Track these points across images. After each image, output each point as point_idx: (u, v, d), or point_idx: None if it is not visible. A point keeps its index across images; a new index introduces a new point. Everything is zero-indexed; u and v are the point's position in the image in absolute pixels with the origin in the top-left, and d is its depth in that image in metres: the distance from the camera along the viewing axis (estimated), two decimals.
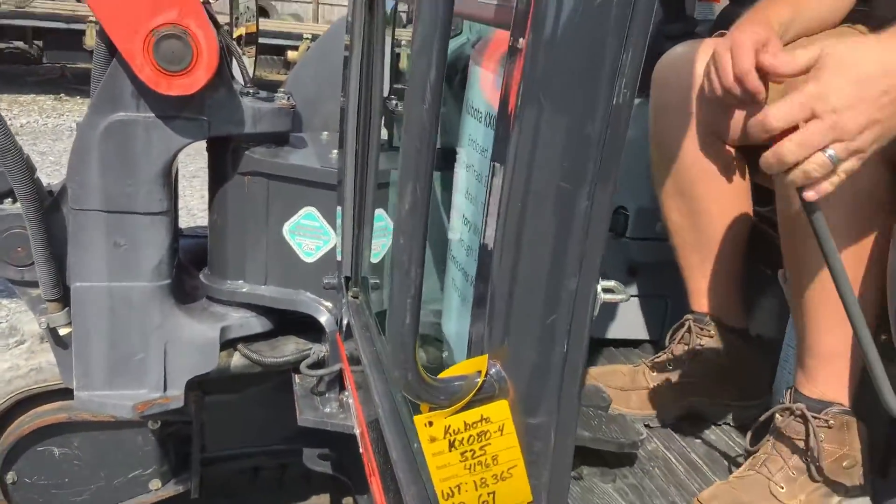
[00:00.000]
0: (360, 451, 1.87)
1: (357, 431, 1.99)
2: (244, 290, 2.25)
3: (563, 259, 0.78)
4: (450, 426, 0.79)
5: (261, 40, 2.92)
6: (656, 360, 1.85)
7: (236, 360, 2.34)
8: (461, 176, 1.13)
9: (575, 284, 0.79)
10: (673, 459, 1.66)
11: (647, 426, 1.77)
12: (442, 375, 0.81)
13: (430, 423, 0.79)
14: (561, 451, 0.87)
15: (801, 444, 1.44)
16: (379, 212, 2.15)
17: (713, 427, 1.80)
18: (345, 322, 2.10)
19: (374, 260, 2.16)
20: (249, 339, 2.35)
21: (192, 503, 2.96)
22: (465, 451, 0.80)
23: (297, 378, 2.35)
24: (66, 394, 2.63)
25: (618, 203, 2.03)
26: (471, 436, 0.80)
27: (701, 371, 1.78)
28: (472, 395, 0.79)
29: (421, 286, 0.70)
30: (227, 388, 2.87)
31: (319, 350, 2.27)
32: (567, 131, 0.78)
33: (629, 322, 2.11)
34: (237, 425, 2.91)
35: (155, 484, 2.83)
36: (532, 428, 0.83)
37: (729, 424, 1.79)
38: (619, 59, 0.76)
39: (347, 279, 1.98)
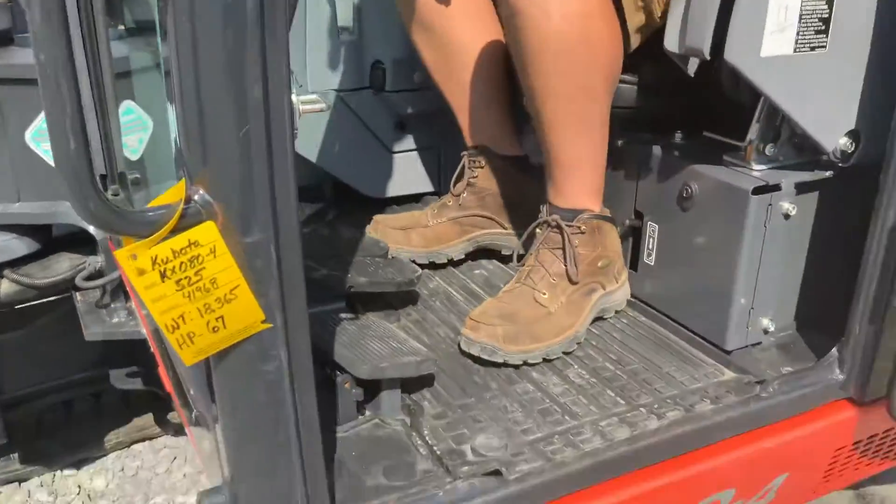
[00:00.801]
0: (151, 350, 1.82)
1: (145, 334, 1.93)
2: None
3: (241, 67, 0.76)
4: (157, 256, 0.76)
5: None
6: (439, 202, 1.88)
7: (6, 287, 2.17)
8: None
9: (260, 92, 0.77)
10: (454, 292, 1.73)
11: (431, 263, 1.81)
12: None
13: (135, 256, 0.76)
14: (289, 269, 0.87)
15: (560, 253, 1.54)
16: (128, 104, 2.02)
17: (494, 259, 1.88)
18: None
19: (134, 156, 2.05)
20: (17, 263, 2.18)
21: (9, 448, 2.80)
22: (181, 280, 0.78)
23: (78, 295, 2.22)
24: None
25: (374, 58, 2.01)
26: (182, 262, 0.78)
27: (479, 203, 1.83)
28: (174, 221, 0.76)
29: (79, 101, 0.65)
30: (9, 324, 2.68)
31: (95, 261, 2.15)
32: None
33: (407, 177, 2.14)
34: (31, 362, 2.74)
35: None
36: (250, 247, 0.82)
37: (510, 253, 1.86)
38: None
39: (103, 177, 1.86)
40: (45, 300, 2.69)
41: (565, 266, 1.53)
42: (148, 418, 3.14)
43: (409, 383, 1.35)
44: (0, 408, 2.68)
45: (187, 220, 0.78)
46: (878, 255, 1.30)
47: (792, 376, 1.39)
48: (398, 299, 1.66)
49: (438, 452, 1.22)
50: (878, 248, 1.29)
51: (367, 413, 1.31)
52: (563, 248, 1.53)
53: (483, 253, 1.89)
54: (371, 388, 1.30)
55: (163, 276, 0.77)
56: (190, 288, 0.79)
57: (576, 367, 1.45)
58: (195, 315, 0.80)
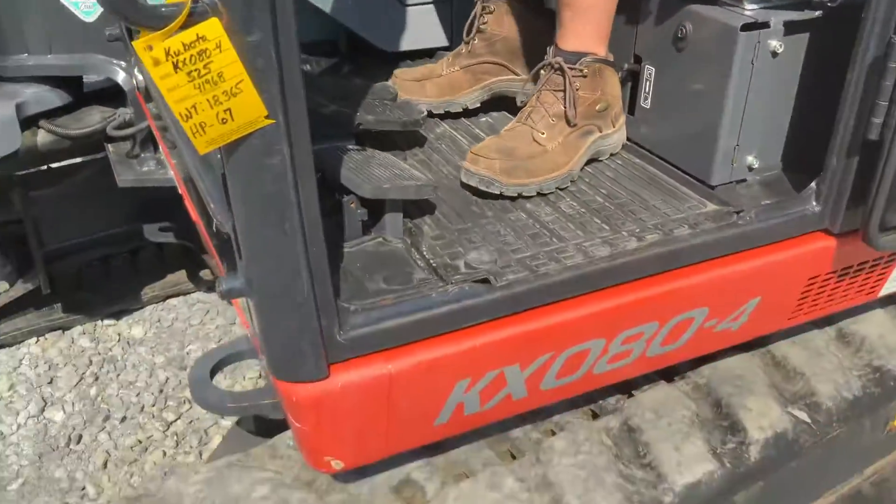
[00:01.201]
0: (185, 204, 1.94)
1: (176, 183, 2.06)
2: (30, 62, 2.18)
3: None
4: (169, 48, 0.87)
5: None
6: (452, 52, 1.93)
7: (42, 137, 2.31)
8: None
9: None
10: (459, 137, 1.82)
11: (447, 112, 1.89)
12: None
13: (151, 48, 0.86)
14: (289, 69, 0.96)
15: (560, 95, 1.61)
16: None
17: (504, 110, 1.96)
18: (140, 79, 2.09)
19: None
20: (51, 115, 2.30)
21: (49, 299, 3.01)
22: (191, 71, 0.89)
23: (110, 147, 2.35)
24: None
25: None
26: (192, 55, 0.88)
27: (489, 50, 1.88)
28: (183, 16, 0.86)
29: None
30: (49, 181, 2.84)
31: (125, 113, 2.27)
32: None
33: (421, 30, 2.18)
34: (69, 216, 2.92)
35: (2, 286, 2.85)
36: (251, 46, 0.91)
37: (514, 99, 1.92)
38: None
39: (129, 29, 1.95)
40: (81, 159, 2.84)
41: (564, 108, 1.60)
42: (181, 274, 3.34)
43: (410, 209, 1.46)
44: (43, 260, 2.87)
45: (195, 17, 0.88)
46: (856, 91, 1.36)
47: (769, 206, 1.48)
48: (405, 140, 1.76)
49: (434, 265, 1.34)
50: (856, 84, 1.35)
51: (372, 233, 1.43)
52: (564, 90, 1.60)
53: (499, 103, 1.94)
54: (376, 211, 1.42)
55: (175, 67, 0.88)
56: (200, 80, 0.89)
57: (567, 199, 1.55)
58: (206, 106, 0.91)
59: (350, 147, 1.50)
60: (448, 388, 1.30)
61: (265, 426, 1.82)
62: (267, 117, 0.95)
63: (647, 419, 1.69)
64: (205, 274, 3.27)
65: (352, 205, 1.37)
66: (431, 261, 1.35)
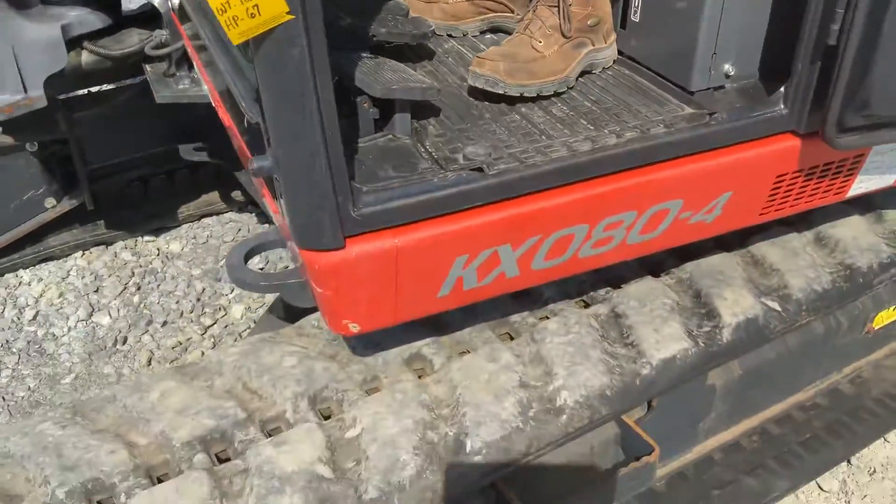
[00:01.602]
0: (219, 115, 2.13)
1: (210, 98, 2.25)
2: None
3: None
4: None
5: None
6: None
7: (86, 57, 2.51)
8: None
9: None
10: (465, 52, 1.99)
11: (449, 36, 2.07)
12: None
13: None
14: None
15: (555, 9, 1.77)
16: None
17: (511, 36, 2.11)
18: (176, 1, 2.28)
19: None
20: (93, 37, 2.50)
21: (93, 216, 3.26)
22: None
23: (148, 67, 2.55)
24: None
25: None
26: None
27: None
28: None
29: None
30: (91, 103, 3.04)
31: (161, 34, 2.45)
32: None
33: None
34: (111, 137, 3.13)
35: (50, 202, 3.09)
36: None
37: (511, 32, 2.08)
38: None
39: None
40: (120, 84, 3.05)
41: (559, 21, 1.76)
42: (215, 195, 3.56)
43: (417, 110, 1.64)
44: (87, 178, 3.10)
45: None
46: (818, 1, 1.51)
47: (740, 108, 1.64)
48: (414, 53, 1.93)
49: (436, 157, 1.53)
50: None
51: (384, 131, 1.62)
52: (558, 5, 1.76)
53: (496, 30, 2.12)
54: (386, 112, 1.61)
55: None
56: None
57: (559, 104, 1.73)
58: (237, 2, 1.10)
59: (364, 55, 1.68)
60: (448, 262, 1.50)
61: (293, 313, 2.04)
62: (288, 13, 1.13)
63: (631, 306, 1.89)
64: (236, 195, 3.49)
65: (365, 104, 1.56)
66: (434, 154, 1.54)
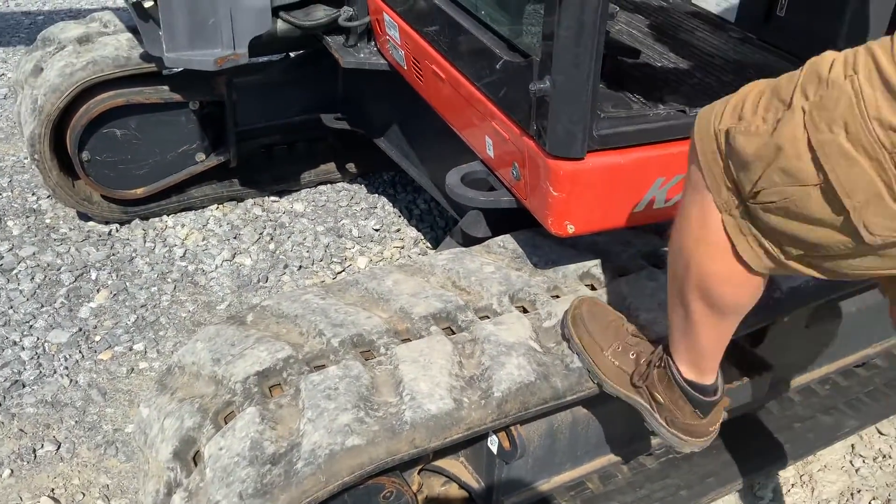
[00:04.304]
0: (412, 69, 2.55)
1: (402, 58, 2.64)
2: None
3: None
4: None
5: None
6: None
7: (280, 25, 2.93)
8: None
9: None
10: (632, 31, 2.45)
11: None
12: None
13: None
14: None
15: None
16: None
17: None
18: None
19: None
20: (287, 8, 2.93)
21: (234, 172, 3.66)
22: None
23: (329, 38, 2.97)
24: (122, 83, 3.18)
25: None
26: None
27: None
28: None
29: None
30: (251, 72, 3.46)
31: (348, 10, 2.88)
32: None
33: None
34: (262, 103, 3.55)
35: (200, 157, 3.49)
36: None
37: None
38: None
39: None
40: (275, 58, 3.47)
41: None
42: (331, 165, 3.98)
43: (618, 68, 2.08)
44: (236, 138, 3.51)
45: None
46: None
47: None
48: None
49: (643, 101, 1.97)
50: None
51: None
52: None
53: None
54: None
55: None
56: None
57: (727, 73, 2.17)
58: None
59: None
60: (650, 181, 1.93)
61: (469, 241, 2.46)
62: None
63: None
64: (350, 167, 3.91)
65: None
66: (641, 99, 1.98)
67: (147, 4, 2.66)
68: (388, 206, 3.83)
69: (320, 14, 2.95)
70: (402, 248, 3.60)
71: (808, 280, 2.24)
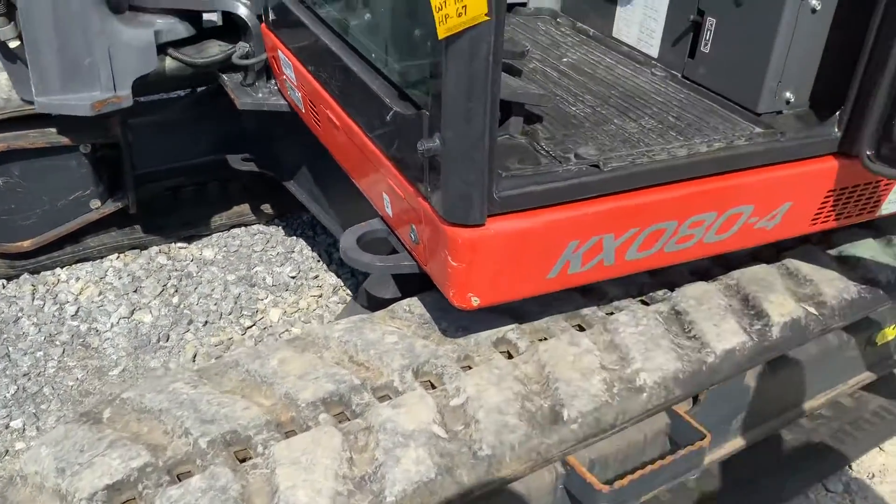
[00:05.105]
0: (309, 112, 2.31)
1: (300, 105, 2.41)
2: None
3: None
4: None
5: None
6: None
7: (169, 63, 2.66)
8: None
9: None
10: (549, 71, 2.23)
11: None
12: None
13: None
14: None
15: None
16: None
17: None
18: (270, 7, 2.46)
19: None
20: (177, 45, 2.66)
21: (135, 218, 3.36)
22: None
23: (224, 76, 2.72)
24: (2, 126, 2.87)
25: None
26: None
27: None
28: None
29: None
30: (146, 111, 3.18)
31: (243, 47, 2.63)
32: None
33: None
34: (161, 144, 3.27)
35: (95, 203, 3.19)
36: None
37: None
38: None
39: None
40: (173, 95, 3.20)
41: None
42: (245, 207, 3.70)
43: (527, 116, 1.87)
44: (133, 183, 3.22)
45: None
46: (873, 40, 1.80)
47: (802, 129, 1.91)
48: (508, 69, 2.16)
49: (553, 154, 1.75)
50: (874, 31, 1.78)
51: (500, 132, 1.83)
52: None
53: None
54: (502, 115, 1.82)
55: None
56: None
57: (647, 118, 1.97)
58: (452, 2, 1.31)
59: None
60: (563, 245, 1.71)
61: (375, 303, 2.21)
62: (486, 14, 1.35)
63: (690, 304, 2.12)
64: (265, 208, 3.64)
65: None
66: (550, 152, 1.76)
67: (12, 45, 2.37)
68: (307, 250, 3.57)
69: (214, 51, 2.69)
70: (321, 296, 3.34)
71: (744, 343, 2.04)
